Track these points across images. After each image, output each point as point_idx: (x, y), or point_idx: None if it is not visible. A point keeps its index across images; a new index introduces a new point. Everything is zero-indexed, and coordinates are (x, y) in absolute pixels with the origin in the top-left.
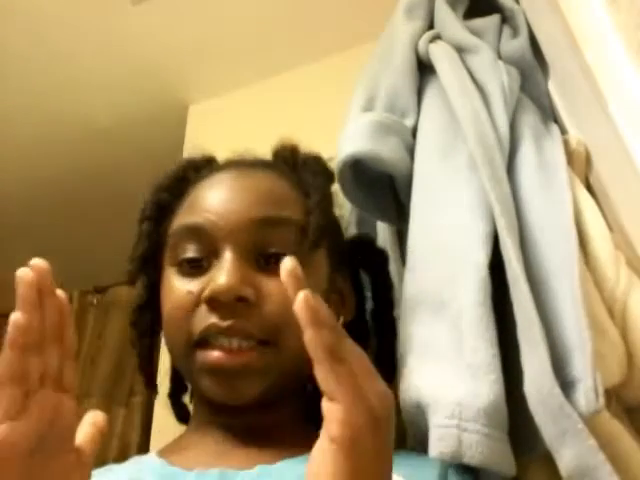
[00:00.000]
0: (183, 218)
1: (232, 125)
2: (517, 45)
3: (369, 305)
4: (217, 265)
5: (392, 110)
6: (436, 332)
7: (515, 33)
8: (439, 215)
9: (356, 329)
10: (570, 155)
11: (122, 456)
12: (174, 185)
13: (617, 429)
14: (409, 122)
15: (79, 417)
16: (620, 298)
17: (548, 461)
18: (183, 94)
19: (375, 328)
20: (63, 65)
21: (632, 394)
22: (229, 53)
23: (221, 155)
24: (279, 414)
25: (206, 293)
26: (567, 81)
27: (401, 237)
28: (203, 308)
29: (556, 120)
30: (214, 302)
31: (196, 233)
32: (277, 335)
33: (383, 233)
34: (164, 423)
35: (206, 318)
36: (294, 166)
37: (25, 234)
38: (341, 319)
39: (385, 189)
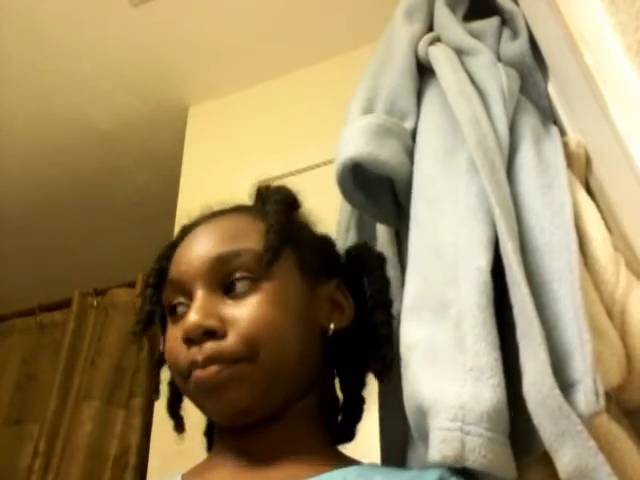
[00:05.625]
0: (168, 276)
1: (232, 127)
2: (517, 47)
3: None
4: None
5: (392, 112)
6: (437, 335)
7: (515, 35)
8: (439, 218)
9: (354, 334)
10: (570, 157)
11: (122, 458)
12: (168, 252)
13: (616, 432)
14: (409, 124)
15: (79, 419)
16: (619, 300)
17: (547, 462)
18: (183, 96)
19: (372, 327)
20: (63, 66)
21: (631, 397)
22: (229, 55)
23: (221, 156)
24: (289, 430)
25: (182, 335)
26: (566, 83)
27: (399, 238)
28: (185, 347)
29: (556, 122)
30: (188, 340)
31: (175, 285)
32: (252, 352)
33: (382, 235)
34: (164, 425)
35: (188, 356)
36: (262, 201)
37: (25, 235)
38: (331, 326)
39: (385, 191)
